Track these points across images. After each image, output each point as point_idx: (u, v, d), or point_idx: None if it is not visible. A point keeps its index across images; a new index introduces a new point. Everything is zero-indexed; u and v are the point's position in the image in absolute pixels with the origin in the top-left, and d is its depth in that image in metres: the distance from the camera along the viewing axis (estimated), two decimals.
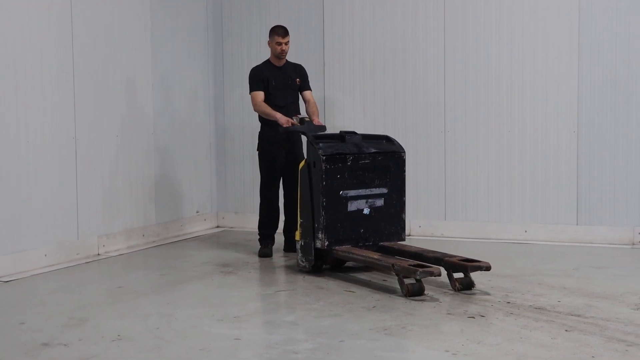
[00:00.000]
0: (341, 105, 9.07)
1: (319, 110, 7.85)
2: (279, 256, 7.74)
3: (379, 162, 6.77)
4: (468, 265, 6.11)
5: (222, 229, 9.58)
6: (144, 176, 8.52)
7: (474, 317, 5.40)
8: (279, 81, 7.64)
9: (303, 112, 7.73)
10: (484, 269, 6.13)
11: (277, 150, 7.60)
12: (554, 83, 8.24)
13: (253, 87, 7.62)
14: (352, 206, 6.67)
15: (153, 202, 8.65)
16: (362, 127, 8.96)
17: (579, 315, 5.40)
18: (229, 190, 9.65)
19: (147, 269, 7.35)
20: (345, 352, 4.74)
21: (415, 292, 5.94)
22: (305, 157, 6.95)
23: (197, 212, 9.41)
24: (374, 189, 6.75)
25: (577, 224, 8.19)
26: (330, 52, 9.10)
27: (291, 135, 7.55)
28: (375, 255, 6.34)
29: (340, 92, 9.08)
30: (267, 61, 7.79)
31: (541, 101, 8.30)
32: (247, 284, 6.61)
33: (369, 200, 6.73)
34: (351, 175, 6.66)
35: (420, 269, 5.87)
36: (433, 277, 5.99)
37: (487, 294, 6.07)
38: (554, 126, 8.26)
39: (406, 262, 6.10)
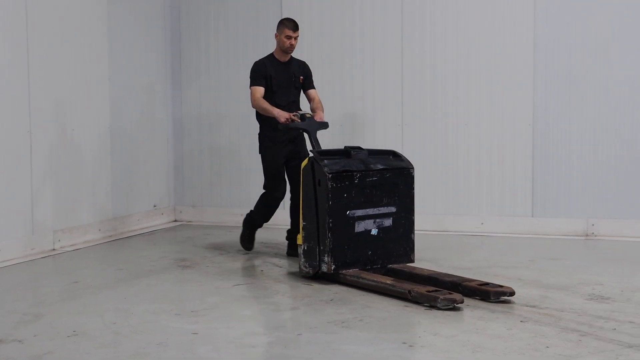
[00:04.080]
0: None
1: (323, 107, 7.32)
2: (236, 250, 7.73)
3: (387, 179, 6.31)
4: (491, 291, 5.57)
5: (180, 223, 9.53)
6: (100, 170, 8.44)
7: (431, 309, 5.44)
8: (282, 78, 7.18)
9: (305, 109, 7.33)
10: (507, 294, 5.57)
11: (280, 150, 7.19)
12: (510, 77, 8.32)
13: (254, 82, 7.16)
14: (360, 227, 6.21)
15: (109, 197, 8.58)
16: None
17: (534, 306, 5.46)
18: (187, 184, 9.61)
19: (104, 264, 7.29)
20: (303, 345, 4.75)
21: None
22: (309, 155, 6.51)
23: (155, 206, 9.35)
24: (382, 208, 6.30)
25: (532, 216, 8.28)
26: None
27: (292, 133, 7.14)
28: (388, 281, 5.84)
29: None
30: (271, 56, 7.30)
31: (497, 95, 8.37)
32: (205, 278, 6.59)
33: (377, 220, 6.27)
34: (358, 193, 6.19)
35: (442, 297, 5.38)
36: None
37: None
38: (510, 120, 8.34)
39: (424, 288, 5.57)
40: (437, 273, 6.08)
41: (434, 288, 5.58)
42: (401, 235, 6.37)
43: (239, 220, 9.24)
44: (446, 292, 5.46)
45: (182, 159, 9.62)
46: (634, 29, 7.97)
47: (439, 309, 5.33)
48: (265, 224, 7.63)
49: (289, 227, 7.43)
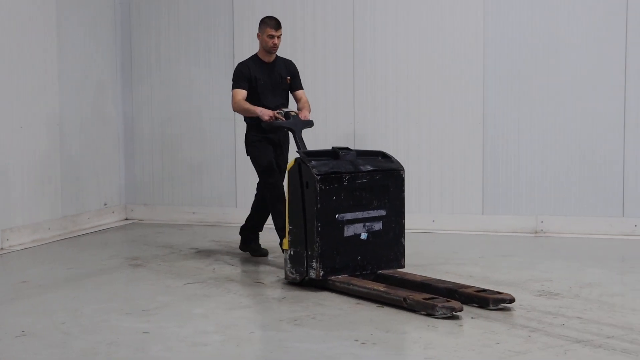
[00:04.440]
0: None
1: (310, 108, 7.05)
2: (187, 248, 7.69)
3: (377, 181, 6.04)
4: (490, 298, 5.34)
5: (131, 221, 9.46)
6: (50, 169, 8.34)
7: (382, 307, 5.46)
8: (267, 79, 6.89)
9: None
10: (507, 301, 5.36)
11: (268, 149, 6.91)
12: (460, 76, 8.38)
13: (235, 84, 6.84)
14: (349, 231, 5.93)
15: (59, 195, 8.48)
16: None
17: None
18: (138, 182, 9.54)
19: (53, 263, 7.20)
20: (256, 343, 4.74)
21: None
22: (297, 156, 6.17)
23: (105, 204, 9.26)
24: (372, 212, 6.02)
25: (482, 214, 8.36)
26: (241, 45, 9.06)
27: (279, 135, 6.91)
28: (381, 288, 5.57)
29: None
30: (255, 56, 7.01)
31: (448, 94, 8.43)
32: (156, 276, 6.54)
33: (367, 223, 6.00)
34: (347, 196, 5.92)
35: (440, 304, 5.14)
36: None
37: None
38: (461, 118, 8.41)
39: (420, 296, 5.32)
40: (430, 279, 5.83)
41: (431, 295, 5.33)
42: (391, 239, 6.13)
43: (190, 218, 9.23)
44: (444, 299, 5.24)
45: (133, 157, 9.54)
46: (582, 29, 8.09)
47: (436, 317, 5.11)
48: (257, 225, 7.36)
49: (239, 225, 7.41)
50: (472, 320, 5.11)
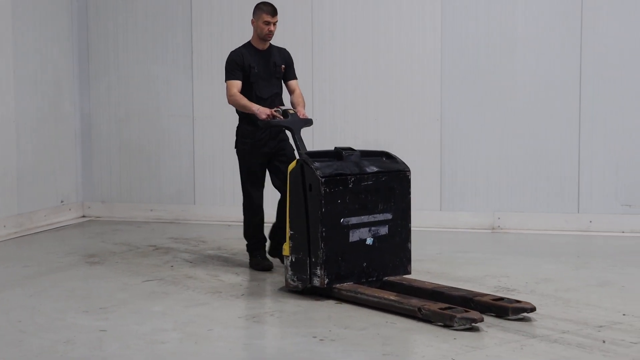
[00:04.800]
0: (210, 93, 9.01)
1: (305, 102, 6.62)
2: (146, 245, 7.65)
3: (382, 183, 5.73)
4: (509, 307, 5.02)
5: (89, 218, 9.38)
6: (6, 165, 8.24)
7: (341, 303, 5.47)
8: (262, 68, 6.49)
9: (287, 104, 6.63)
10: (528, 311, 5.04)
11: (259, 150, 6.50)
12: (418, 73, 8.43)
13: (229, 75, 6.43)
14: (354, 236, 5.61)
15: (15, 192, 8.38)
16: (231, 115, 8.94)
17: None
18: (96, 179, 9.46)
19: (9, 261, 7.12)
20: (214, 340, 4.73)
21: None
22: (297, 156, 5.96)
23: (62, 202, 9.18)
24: (378, 215, 5.71)
25: (440, 210, 8.42)
26: (199, 41, 9.02)
27: (274, 131, 6.48)
28: (392, 296, 5.25)
29: (208, 81, 9.01)
30: (248, 44, 6.59)
31: (406, 90, 8.47)
32: (114, 274, 6.50)
33: (372, 228, 5.68)
34: (353, 199, 5.60)
35: (459, 315, 4.81)
36: None
37: None
38: (419, 115, 8.45)
39: (435, 305, 4.99)
40: (442, 286, 5.52)
41: (447, 305, 5.01)
42: (397, 244, 5.81)
43: (148, 215, 9.18)
44: (461, 309, 4.92)
45: (90, 154, 9.46)
46: (539, 28, 8.17)
47: (455, 329, 4.80)
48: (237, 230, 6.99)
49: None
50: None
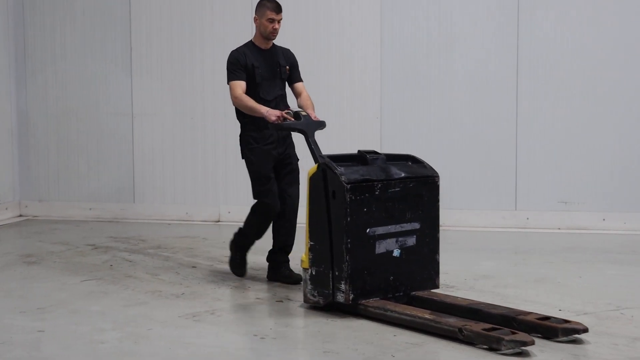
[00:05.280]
0: (149, 91, 8.94)
1: (314, 105, 6.13)
2: (84, 245, 7.56)
3: (410, 189, 5.27)
4: (559, 329, 4.54)
5: (26, 218, 9.24)
6: None
7: (282, 301, 5.48)
8: (266, 69, 6.04)
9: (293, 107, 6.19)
10: (580, 332, 4.57)
11: (269, 153, 6.01)
12: (358, 71, 8.47)
13: (232, 76, 5.96)
14: (381, 247, 5.15)
15: None
16: (171, 112, 8.90)
17: None
18: (33, 178, 9.32)
19: None
20: (154, 340, 4.70)
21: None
22: (316, 161, 5.39)
23: None
24: (405, 225, 5.25)
25: None
26: (138, 37, 8.94)
27: (282, 133, 6.03)
28: (427, 315, 4.77)
29: (148, 78, 8.94)
30: (250, 43, 6.14)
31: (346, 89, 8.51)
32: (52, 274, 6.41)
33: (400, 238, 5.23)
34: (379, 207, 5.13)
35: (507, 338, 4.33)
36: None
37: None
38: (359, 113, 8.49)
39: (478, 326, 4.50)
40: (478, 303, 5.06)
41: (490, 325, 4.52)
42: (426, 256, 5.37)
43: (87, 214, 9.07)
44: (508, 331, 4.43)
45: (27, 151, 9.32)
46: (477, 26, 8.27)
47: (502, 353, 4.33)
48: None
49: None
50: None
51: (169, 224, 8.73)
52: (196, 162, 8.91)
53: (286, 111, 5.78)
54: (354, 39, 8.48)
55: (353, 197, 5.02)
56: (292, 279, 6.00)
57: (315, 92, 8.53)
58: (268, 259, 6.18)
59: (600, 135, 8.15)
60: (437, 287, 5.41)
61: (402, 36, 8.38)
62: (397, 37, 8.39)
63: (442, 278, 6.08)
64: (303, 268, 5.26)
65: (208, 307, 5.37)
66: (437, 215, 5.43)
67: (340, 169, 5.08)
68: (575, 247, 7.39)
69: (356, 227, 5.04)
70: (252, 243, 6.24)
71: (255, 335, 4.74)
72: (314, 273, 5.20)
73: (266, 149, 5.99)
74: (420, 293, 5.27)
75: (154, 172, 9.03)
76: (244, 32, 8.69)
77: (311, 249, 5.21)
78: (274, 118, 5.71)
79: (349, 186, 5.01)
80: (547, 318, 4.67)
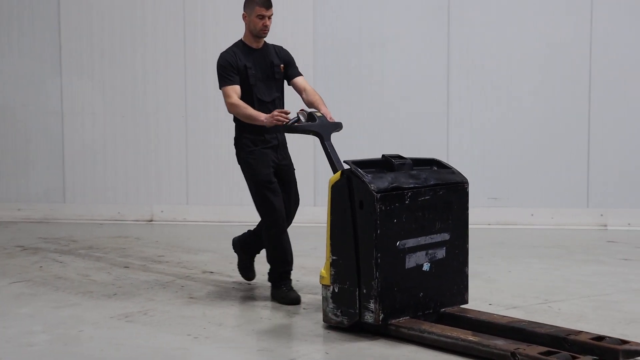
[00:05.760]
0: (79, 89, 8.83)
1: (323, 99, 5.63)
2: (13, 246, 7.43)
3: (440, 197, 4.85)
4: (619, 350, 4.11)
5: None
6: None
7: (215, 300, 5.47)
8: (259, 69, 5.59)
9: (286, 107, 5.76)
10: None
11: (268, 157, 5.56)
12: None
13: (225, 81, 5.50)
14: (411, 261, 4.71)
15: None
16: (102, 111, 8.81)
17: (316, 294, 5.61)
18: None
19: None
20: (85, 341, 4.65)
21: None
22: (333, 166, 5.11)
23: None
24: (435, 236, 4.82)
25: (314, 205, 8.49)
26: (67, 33, 8.82)
27: (280, 137, 5.61)
28: (470, 336, 4.32)
29: (78, 77, 8.83)
30: (240, 43, 5.67)
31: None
32: None
33: (429, 251, 4.79)
34: (409, 218, 4.70)
35: None
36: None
37: (230, 276, 6.17)
38: (293, 111, 8.49)
39: (532, 349, 4.07)
40: (519, 320, 4.64)
41: (546, 349, 4.10)
42: (455, 269, 4.95)
43: (16, 215, 8.92)
44: (567, 354, 4.02)
45: None
46: (408, 27, 8.35)
47: None
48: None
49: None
50: (304, 310, 5.18)
51: (101, 224, 8.63)
52: (128, 161, 8.82)
53: (300, 110, 5.31)
54: (287, 40, 8.46)
55: (383, 208, 4.58)
56: (286, 300, 5.47)
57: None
58: (269, 279, 5.65)
59: (527, 133, 8.30)
60: (466, 302, 5.00)
61: (334, 37, 8.41)
62: (329, 38, 8.42)
63: None
64: (323, 285, 4.80)
65: (141, 307, 5.33)
66: (466, 225, 5.02)
67: (368, 177, 4.65)
68: (504, 242, 7.52)
69: (386, 239, 4.60)
70: (287, 262, 5.61)
71: (189, 335, 4.73)
72: (336, 290, 4.74)
73: (266, 152, 5.54)
74: (450, 310, 4.87)
75: (85, 172, 8.91)
76: (176, 29, 8.63)
77: (333, 264, 4.76)
78: (276, 122, 5.22)
79: (379, 195, 4.57)
80: (601, 338, 4.25)
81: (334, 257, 4.75)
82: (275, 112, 5.24)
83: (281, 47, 5.82)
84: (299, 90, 5.68)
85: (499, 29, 8.26)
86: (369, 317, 4.60)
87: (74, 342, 4.64)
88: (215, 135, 8.61)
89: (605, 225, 8.20)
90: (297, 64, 5.79)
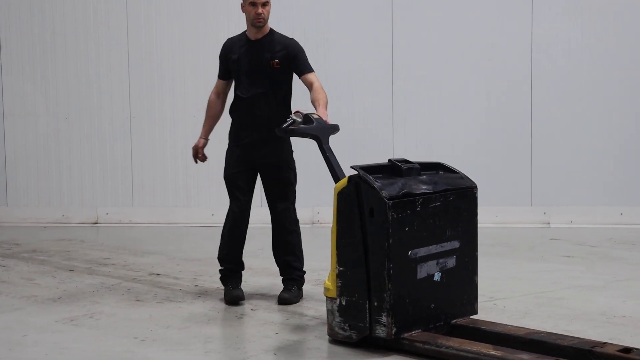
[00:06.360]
0: (21, 91, 8.71)
1: (327, 98, 5.36)
2: None
3: (450, 203, 4.63)
4: None
5: None
6: None
7: (162, 302, 5.44)
8: (247, 62, 5.38)
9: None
10: None
11: (237, 156, 5.48)
12: None
13: (218, 72, 5.59)
14: (422, 271, 4.48)
15: None
16: (45, 113, 8.70)
17: (263, 294, 5.61)
18: None
19: None
20: (29, 346, 4.58)
21: None
22: (332, 171, 5.04)
23: None
24: (445, 244, 4.60)
25: (261, 206, 8.45)
26: (8, 32, 8.70)
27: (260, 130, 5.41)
28: (492, 350, 4.07)
29: (19, 77, 8.70)
30: (243, 33, 5.51)
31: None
32: None
33: (440, 260, 4.57)
34: (420, 225, 4.47)
35: None
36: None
37: (177, 278, 6.14)
38: None
39: None
40: (538, 332, 4.38)
41: None
42: (465, 278, 4.73)
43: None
44: None
45: None
46: (353, 26, 8.40)
47: None
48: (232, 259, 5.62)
49: None
50: (252, 312, 5.18)
51: (45, 227, 8.52)
52: (72, 163, 8.72)
53: (295, 111, 5.08)
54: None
55: (395, 215, 4.33)
56: (283, 301, 5.42)
57: (189, 93, 8.50)
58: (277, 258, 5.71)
59: (470, 132, 8.40)
60: (475, 312, 4.80)
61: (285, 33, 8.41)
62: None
63: (323, 275, 6.17)
64: (328, 297, 4.54)
65: (86, 310, 5.28)
66: (475, 232, 4.82)
67: (378, 183, 4.41)
68: None
69: (398, 249, 4.36)
70: (231, 261, 5.55)
71: (136, 338, 4.69)
72: (343, 303, 4.47)
73: (237, 151, 5.44)
74: (461, 321, 4.65)
75: (27, 174, 8.79)
76: (119, 28, 8.56)
77: (340, 276, 4.49)
78: (193, 153, 5.57)
79: (390, 202, 4.32)
80: (629, 350, 3.98)
81: (341, 268, 4.49)
82: (194, 150, 5.58)
83: (291, 41, 5.49)
84: (307, 87, 5.43)
85: (441, 29, 8.34)
86: (380, 331, 4.35)
87: (18, 347, 4.58)
88: (160, 136, 8.56)
89: (549, 223, 8.33)
90: None
